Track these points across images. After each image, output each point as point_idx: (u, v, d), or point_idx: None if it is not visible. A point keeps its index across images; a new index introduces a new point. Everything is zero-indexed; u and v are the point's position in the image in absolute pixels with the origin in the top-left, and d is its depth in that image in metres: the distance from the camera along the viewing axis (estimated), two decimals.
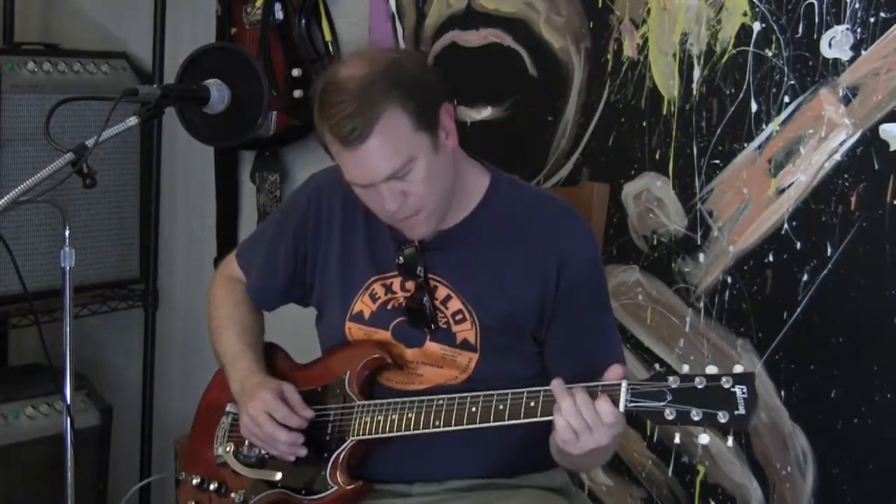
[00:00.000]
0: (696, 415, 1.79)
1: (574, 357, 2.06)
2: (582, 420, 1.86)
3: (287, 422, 2.09)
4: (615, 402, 1.85)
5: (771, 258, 2.55)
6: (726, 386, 1.78)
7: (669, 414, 1.80)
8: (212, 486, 2.22)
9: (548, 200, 2.16)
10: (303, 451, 2.10)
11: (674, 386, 1.81)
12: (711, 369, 1.80)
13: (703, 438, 1.82)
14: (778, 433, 2.55)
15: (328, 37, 3.10)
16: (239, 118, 2.25)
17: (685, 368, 1.82)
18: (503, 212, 2.12)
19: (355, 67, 2.00)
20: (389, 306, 2.13)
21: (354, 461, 2.10)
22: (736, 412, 1.77)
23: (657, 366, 2.68)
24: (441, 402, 1.99)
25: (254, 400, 2.11)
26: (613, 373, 1.89)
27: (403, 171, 1.98)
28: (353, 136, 1.95)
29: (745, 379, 1.78)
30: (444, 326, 2.09)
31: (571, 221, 2.13)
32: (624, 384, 1.84)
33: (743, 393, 1.77)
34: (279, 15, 3.07)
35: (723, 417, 1.77)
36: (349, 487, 2.09)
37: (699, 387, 1.79)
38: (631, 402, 1.83)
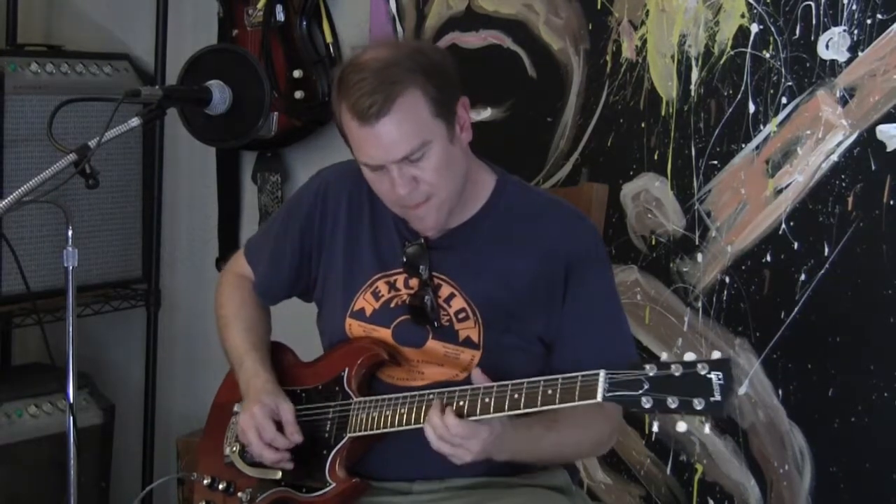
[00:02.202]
0: (672, 402, 1.78)
1: (584, 357, 2.06)
2: (441, 436, 1.92)
3: (273, 443, 2.11)
4: (593, 394, 1.85)
5: (768, 258, 2.56)
6: (702, 372, 1.77)
7: (646, 402, 1.80)
8: (221, 486, 2.23)
9: (553, 202, 2.18)
10: (289, 466, 2.12)
11: (651, 374, 1.81)
12: (689, 356, 1.80)
13: (681, 426, 1.82)
14: (775, 432, 2.56)
15: (329, 38, 3.11)
16: (240, 119, 2.26)
17: (664, 356, 1.83)
18: (509, 213, 2.13)
19: (378, 51, 2.02)
20: (392, 304, 2.14)
21: (353, 458, 2.12)
22: (712, 398, 1.76)
23: None
24: (432, 396, 2.00)
25: (247, 412, 2.13)
26: (476, 376, 1.95)
27: (418, 153, 1.99)
28: (372, 111, 1.96)
29: (721, 365, 1.77)
30: (447, 324, 2.11)
31: (578, 222, 2.15)
32: (602, 374, 1.85)
33: (719, 379, 1.76)
34: (280, 17, 3.08)
35: (699, 404, 1.77)
36: (347, 484, 2.10)
37: (676, 374, 1.79)
38: (609, 391, 1.84)
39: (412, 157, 1.99)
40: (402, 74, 1.97)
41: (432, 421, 1.94)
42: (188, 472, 2.35)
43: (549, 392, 1.90)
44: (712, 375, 1.77)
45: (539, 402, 1.90)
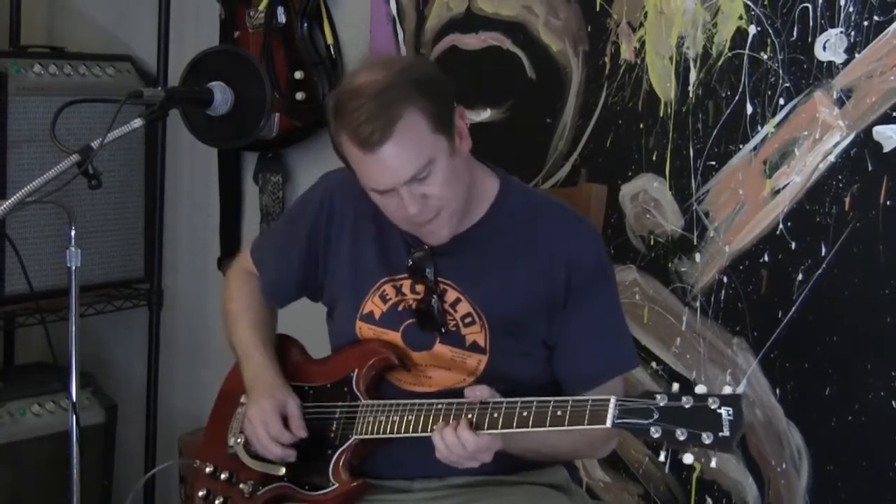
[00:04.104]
0: (681, 434, 1.80)
1: (583, 361, 2.09)
2: (456, 454, 1.95)
3: (278, 438, 2.13)
4: (602, 420, 1.86)
5: (766, 258, 2.57)
6: (713, 407, 1.78)
7: (655, 432, 1.81)
8: (223, 476, 2.25)
9: (556, 206, 2.18)
10: (291, 458, 2.14)
11: (661, 404, 1.82)
12: (700, 389, 1.81)
13: (688, 458, 1.82)
14: (773, 430, 2.57)
15: (330, 40, 3.12)
16: (242, 120, 2.27)
17: (675, 387, 1.83)
18: (513, 217, 2.14)
19: (370, 73, 2.01)
20: (400, 308, 2.16)
21: (357, 459, 2.13)
22: (720, 434, 1.77)
23: (654, 364, 2.71)
24: (440, 406, 2.01)
25: (257, 405, 2.15)
26: (476, 392, 1.97)
27: (424, 172, 1.99)
28: (374, 139, 1.96)
29: (732, 401, 1.78)
30: (454, 329, 2.12)
31: (580, 226, 2.16)
32: (612, 400, 1.86)
33: (729, 415, 1.77)
34: (281, 18, 3.10)
35: (707, 438, 1.78)
36: (350, 486, 2.11)
37: (686, 406, 1.80)
38: (618, 418, 1.85)
39: (419, 177, 1.99)
40: (399, 96, 1.96)
41: (447, 439, 1.95)
42: (191, 460, 2.36)
43: (559, 413, 1.91)
44: (722, 410, 1.78)
45: (548, 423, 1.91)
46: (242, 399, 2.27)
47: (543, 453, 2.11)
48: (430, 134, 1.99)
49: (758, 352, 2.58)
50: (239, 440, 2.24)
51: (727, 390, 1.81)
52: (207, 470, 2.28)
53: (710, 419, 1.79)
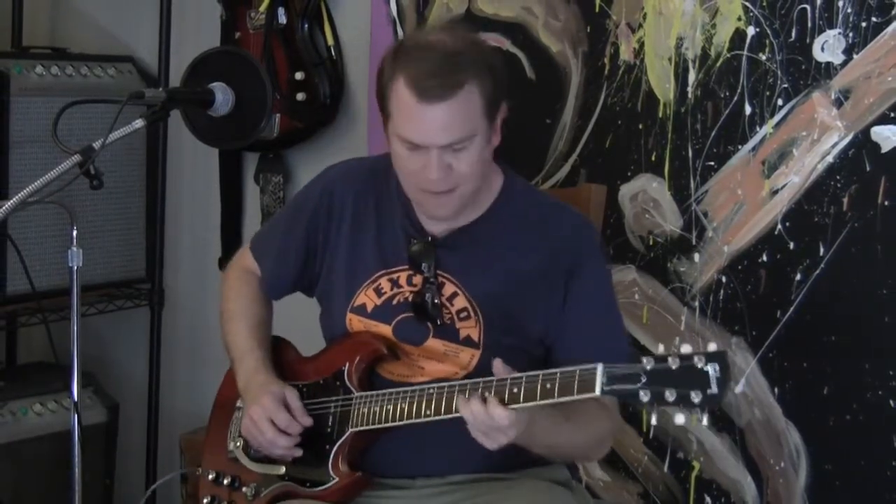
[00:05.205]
0: (669, 396, 1.78)
1: (582, 357, 2.08)
2: (483, 425, 1.91)
3: (288, 430, 2.12)
4: (591, 388, 1.86)
5: (764, 258, 2.58)
6: (699, 365, 1.77)
7: (644, 396, 1.80)
8: (226, 481, 2.25)
9: (558, 206, 2.20)
10: (298, 453, 2.14)
11: (648, 367, 1.80)
12: (685, 348, 1.80)
13: (679, 418, 1.80)
14: (771, 429, 2.58)
15: (330, 41, 3.13)
16: (243, 121, 2.28)
17: (661, 348, 1.82)
18: (516, 215, 2.15)
19: (445, 35, 2.06)
20: (395, 301, 2.16)
21: (356, 453, 2.14)
22: (709, 391, 1.76)
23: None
24: (432, 391, 2.02)
25: (256, 404, 2.14)
26: (498, 367, 1.95)
27: (461, 144, 2.02)
28: (434, 93, 1.98)
29: (718, 357, 1.77)
30: (448, 322, 2.13)
31: (581, 226, 2.17)
32: (600, 367, 1.85)
33: (716, 371, 1.76)
34: (282, 19, 3.10)
35: (696, 397, 1.76)
36: (350, 479, 2.12)
37: (673, 367, 1.79)
38: (607, 385, 1.84)
39: (456, 147, 2.01)
40: (469, 66, 2.01)
41: (474, 410, 1.92)
42: (193, 467, 2.36)
43: (548, 386, 1.90)
44: (709, 368, 1.77)
45: (538, 396, 1.91)
46: (239, 403, 2.27)
47: (562, 441, 2.08)
48: (480, 113, 2.03)
49: (756, 351, 2.59)
50: (238, 444, 2.24)
51: (711, 347, 1.80)
52: (210, 477, 2.28)
53: (698, 378, 1.77)
